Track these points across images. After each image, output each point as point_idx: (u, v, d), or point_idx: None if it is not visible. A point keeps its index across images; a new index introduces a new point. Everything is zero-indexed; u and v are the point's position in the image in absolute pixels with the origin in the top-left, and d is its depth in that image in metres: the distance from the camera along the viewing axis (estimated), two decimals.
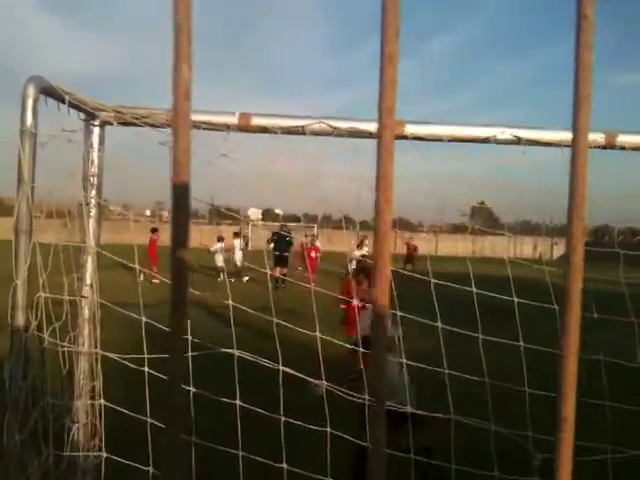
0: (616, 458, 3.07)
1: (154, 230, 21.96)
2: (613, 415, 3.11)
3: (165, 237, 19.22)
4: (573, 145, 0.55)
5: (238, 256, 22.43)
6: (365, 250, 26.76)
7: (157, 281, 17.37)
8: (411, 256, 27.39)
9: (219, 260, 21.70)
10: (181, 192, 0.52)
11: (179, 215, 0.52)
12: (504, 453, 3.02)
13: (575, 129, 0.53)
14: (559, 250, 54.08)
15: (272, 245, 21.03)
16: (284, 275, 19.20)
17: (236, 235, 23.31)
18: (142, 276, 15.62)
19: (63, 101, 2.36)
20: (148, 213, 61.54)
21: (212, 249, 22.15)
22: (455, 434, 2.91)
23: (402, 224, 57.80)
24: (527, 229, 57.06)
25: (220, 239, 22.67)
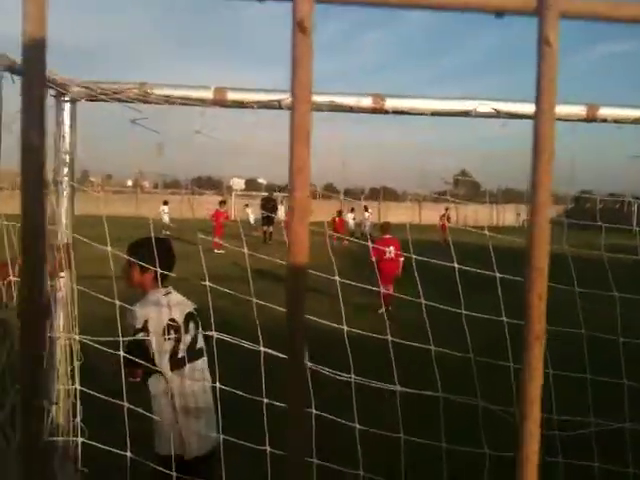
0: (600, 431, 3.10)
1: (222, 202, 25.57)
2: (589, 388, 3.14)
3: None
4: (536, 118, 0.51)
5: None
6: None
7: (221, 251, 18.41)
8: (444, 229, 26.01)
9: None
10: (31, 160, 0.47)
11: (29, 184, 0.46)
12: (491, 430, 3.03)
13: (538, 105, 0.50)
14: None
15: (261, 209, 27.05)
16: (271, 232, 26.24)
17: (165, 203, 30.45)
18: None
19: None
20: (130, 183, 60.91)
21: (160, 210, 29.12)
22: (443, 411, 2.91)
23: (387, 193, 57.88)
24: (510, 196, 57.39)
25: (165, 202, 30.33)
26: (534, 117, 0.50)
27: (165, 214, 29.15)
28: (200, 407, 3.35)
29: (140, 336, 3.20)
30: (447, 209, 32.31)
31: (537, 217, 0.52)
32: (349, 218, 31.77)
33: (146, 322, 3.23)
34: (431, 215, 45.87)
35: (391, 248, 11.02)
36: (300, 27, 0.46)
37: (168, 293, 3.45)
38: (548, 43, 0.44)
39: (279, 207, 29.90)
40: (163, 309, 3.35)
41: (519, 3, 0.45)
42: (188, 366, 3.36)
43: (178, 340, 3.35)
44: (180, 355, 3.34)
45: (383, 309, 8.72)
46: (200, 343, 3.49)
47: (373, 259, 10.53)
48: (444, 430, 2.82)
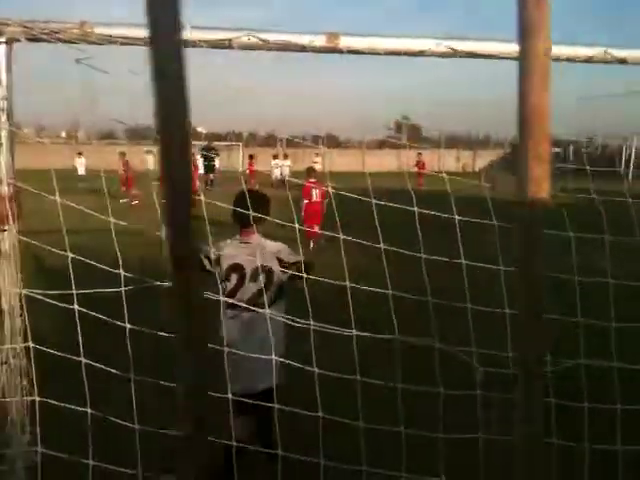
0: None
1: (122, 153, 24.68)
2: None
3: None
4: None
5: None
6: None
7: (124, 200, 19.23)
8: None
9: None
10: None
11: None
12: (448, 370, 3.05)
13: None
14: (481, 162, 55.33)
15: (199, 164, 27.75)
16: (212, 180, 28.06)
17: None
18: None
19: None
20: (63, 135, 58.33)
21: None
22: (400, 354, 2.92)
23: (330, 139, 57.60)
24: (451, 141, 57.82)
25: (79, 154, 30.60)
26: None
27: (80, 166, 29.64)
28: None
29: (206, 263, 3.47)
30: (420, 154, 32.96)
31: None
32: (273, 165, 31.65)
33: (219, 257, 3.51)
34: (373, 161, 45.98)
35: (316, 191, 12.94)
36: None
37: (245, 242, 3.66)
38: None
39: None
40: (238, 251, 3.59)
41: None
42: (235, 312, 3.48)
43: (238, 284, 3.54)
44: (236, 297, 3.50)
45: (312, 245, 12.02)
46: (263, 299, 3.44)
47: (305, 201, 12.98)
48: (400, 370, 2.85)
